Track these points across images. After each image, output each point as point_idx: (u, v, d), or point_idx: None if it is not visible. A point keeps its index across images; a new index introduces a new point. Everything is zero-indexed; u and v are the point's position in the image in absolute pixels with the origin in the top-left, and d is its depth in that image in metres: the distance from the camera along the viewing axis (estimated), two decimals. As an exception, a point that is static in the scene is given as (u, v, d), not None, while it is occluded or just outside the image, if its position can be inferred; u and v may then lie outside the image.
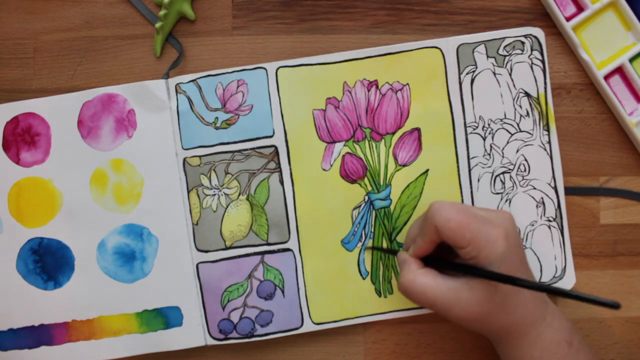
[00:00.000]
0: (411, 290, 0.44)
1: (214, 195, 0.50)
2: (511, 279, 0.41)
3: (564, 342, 0.44)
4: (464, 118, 0.51)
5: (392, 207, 0.51)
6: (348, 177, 0.51)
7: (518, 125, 0.51)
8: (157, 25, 0.50)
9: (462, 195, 0.51)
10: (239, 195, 0.50)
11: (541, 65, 0.51)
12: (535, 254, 0.51)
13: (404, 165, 0.51)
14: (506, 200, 0.51)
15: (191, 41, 0.52)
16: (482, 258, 0.42)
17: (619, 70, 0.51)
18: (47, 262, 0.50)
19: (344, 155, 0.51)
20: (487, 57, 0.50)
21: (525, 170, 0.51)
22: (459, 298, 0.43)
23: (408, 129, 0.51)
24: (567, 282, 0.51)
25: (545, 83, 0.51)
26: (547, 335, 0.44)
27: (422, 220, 0.46)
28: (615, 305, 0.37)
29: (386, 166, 0.51)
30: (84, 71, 0.51)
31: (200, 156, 0.50)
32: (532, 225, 0.51)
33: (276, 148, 0.50)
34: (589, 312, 0.52)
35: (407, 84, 0.50)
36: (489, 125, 0.51)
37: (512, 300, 0.43)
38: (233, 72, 0.50)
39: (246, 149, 0.50)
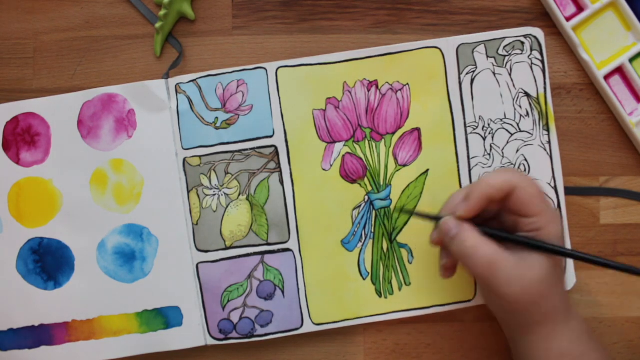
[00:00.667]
0: (474, 257, 0.42)
1: (214, 195, 0.50)
2: (588, 257, 0.42)
3: (586, 333, 0.44)
4: (464, 118, 0.51)
5: (392, 207, 0.51)
6: (348, 177, 0.51)
7: (518, 125, 0.51)
8: (157, 25, 0.50)
9: (462, 195, 0.51)
10: (239, 195, 0.50)
11: (541, 65, 0.51)
12: (535, 254, 0.51)
13: (404, 165, 0.51)
14: (506, 200, 0.51)
15: (191, 41, 0.52)
16: (544, 233, 0.42)
17: (619, 70, 0.51)
18: (47, 262, 0.50)
19: (344, 155, 0.51)
20: (487, 57, 0.50)
21: (525, 170, 0.51)
22: (521, 276, 0.42)
23: (408, 129, 0.51)
24: (567, 282, 0.51)
25: (545, 83, 0.51)
26: (574, 325, 0.44)
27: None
28: None
29: (386, 166, 0.51)
30: (84, 71, 0.51)
31: (200, 156, 0.50)
32: (532, 225, 0.51)
33: (276, 148, 0.50)
34: (589, 312, 0.52)
35: (407, 84, 0.50)
36: (489, 125, 0.51)
37: (560, 285, 0.44)
38: (233, 72, 0.50)
39: (246, 149, 0.50)
